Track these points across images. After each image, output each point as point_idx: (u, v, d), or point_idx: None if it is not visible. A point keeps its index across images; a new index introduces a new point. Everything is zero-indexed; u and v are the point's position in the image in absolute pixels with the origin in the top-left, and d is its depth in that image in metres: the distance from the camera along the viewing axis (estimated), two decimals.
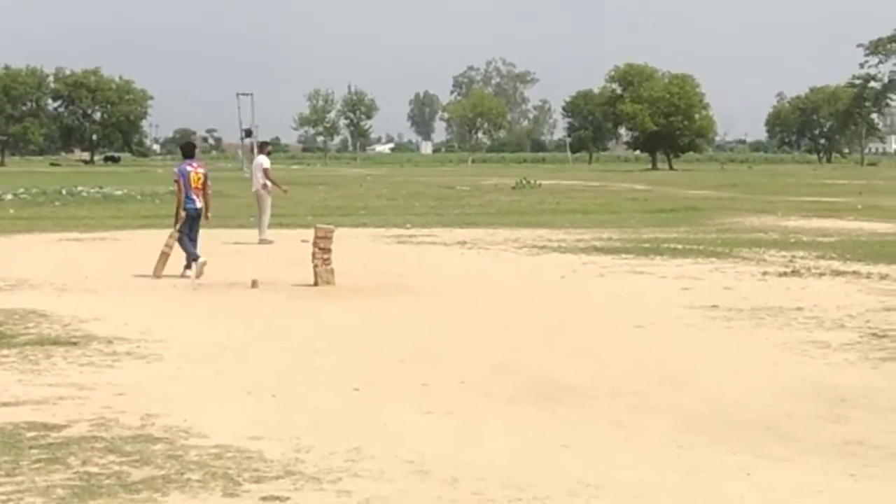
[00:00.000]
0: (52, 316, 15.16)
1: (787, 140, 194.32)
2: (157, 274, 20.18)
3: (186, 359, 12.44)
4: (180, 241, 20.61)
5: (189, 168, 21.00)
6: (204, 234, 26.55)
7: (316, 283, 18.83)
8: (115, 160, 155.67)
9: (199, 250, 20.64)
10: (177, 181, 21.09)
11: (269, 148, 32.08)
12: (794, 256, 23.72)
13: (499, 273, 21.30)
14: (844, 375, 11.71)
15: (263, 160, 28.96)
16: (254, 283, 18.75)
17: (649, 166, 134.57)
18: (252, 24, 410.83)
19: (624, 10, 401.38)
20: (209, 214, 21.44)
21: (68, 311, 15.61)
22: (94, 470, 8.05)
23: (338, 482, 7.84)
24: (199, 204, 20.93)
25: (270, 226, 28.31)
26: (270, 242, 26.83)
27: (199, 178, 20.97)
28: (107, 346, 13.00)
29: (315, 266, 18.99)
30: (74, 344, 13.12)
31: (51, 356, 12.40)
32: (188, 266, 20.36)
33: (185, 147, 22.31)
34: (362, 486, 7.76)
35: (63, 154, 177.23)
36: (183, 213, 20.81)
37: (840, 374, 11.75)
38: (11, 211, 39.72)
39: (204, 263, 20.34)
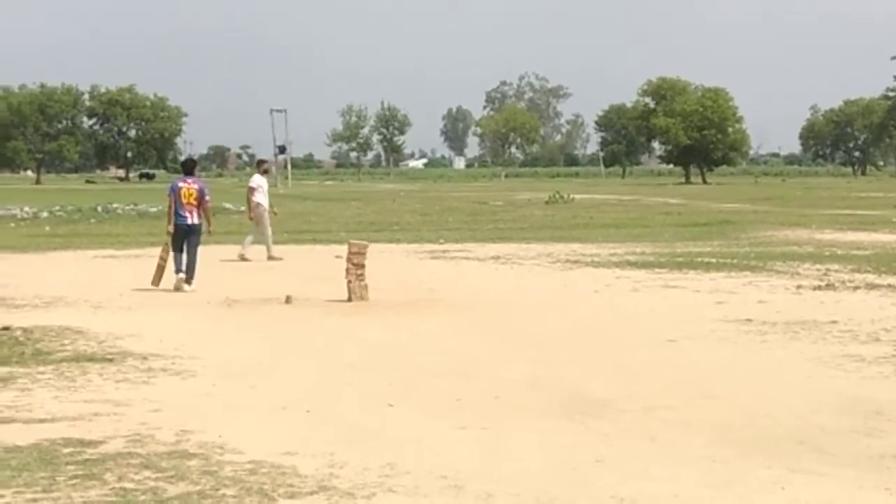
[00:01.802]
0: (87, 332, 15.27)
1: (821, 153, 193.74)
2: (155, 284, 20.91)
3: (221, 375, 12.49)
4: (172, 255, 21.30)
5: (182, 184, 21.42)
6: (238, 250, 26.74)
7: (350, 299, 18.86)
8: (150, 177, 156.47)
9: (196, 267, 21.19)
10: (168, 196, 21.52)
11: (266, 166, 31.44)
12: (828, 270, 23.63)
13: (532, 288, 21.30)
14: (879, 389, 11.67)
15: (253, 179, 29.09)
16: (287, 299, 18.81)
17: (682, 180, 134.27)
18: (286, 41, 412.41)
19: (656, 23, 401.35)
20: (210, 229, 21.93)
21: (104, 327, 15.72)
22: (130, 486, 8.10)
23: (372, 497, 7.87)
24: (190, 220, 21.27)
25: (277, 242, 28.56)
26: (248, 260, 26.80)
27: (191, 194, 21.24)
28: (142, 363, 13.09)
29: (349, 282, 19.03)
30: (110, 360, 13.21)
31: (87, 372, 12.49)
32: (187, 281, 20.93)
33: (184, 164, 22.92)
34: (397, 502, 7.80)
35: (98, 171, 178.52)
36: (171, 228, 21.34)
37: (875, 388, 11.71)
38: (47, 228, 39.99)
39: (182, 279, 20.95)
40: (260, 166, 30.65)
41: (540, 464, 8.77)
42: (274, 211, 29.03)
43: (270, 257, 27.13)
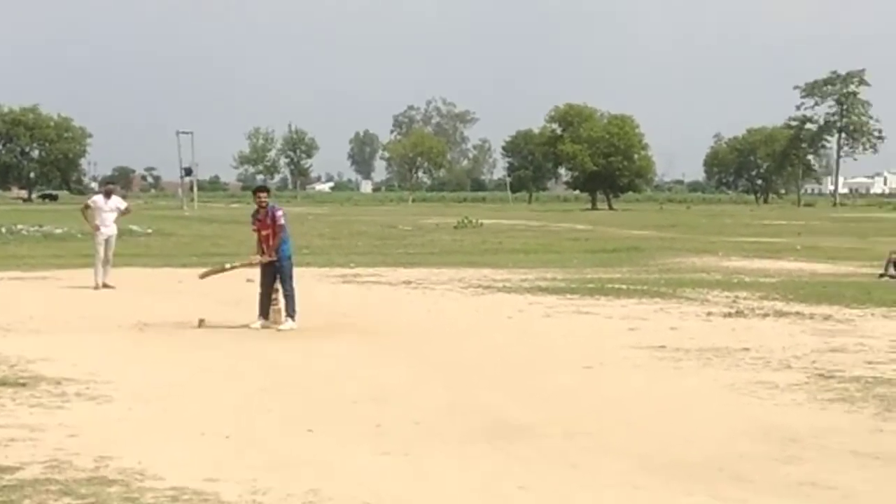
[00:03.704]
0: None
1: (724, 180, 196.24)
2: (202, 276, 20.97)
3: (137, 399, 12.35)
4: None
5: None
6: (147, 274, 26.54)
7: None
8: (53, 198, 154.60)
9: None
10: None
11: (109, 187, 28.99)
12: (737, 297, 23.87)
13: (445, 313, 21.29)
14: (794, 416, 11.80)
15: (91, 199, 27.86)
16: (200, 323, 18.66)
17: (589, 206, 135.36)
18: (193, 63, 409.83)
19: (564, 51, 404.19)
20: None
21: (14, 351, 15.45)
22: None
23: None
24: None
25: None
26: (104, 287, 25.48)
27: None
28: (56, 387, 12.89)
29: None
30: (23, 385, 12.99)
31: None
32: None
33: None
34: None
35: (0, 192, 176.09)
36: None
37: (789, 415, 11.84)
38: None
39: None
40: (104, 187, 29.07)
41: (463, 490, 8.77)
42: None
43: (101, 284, 25.64)
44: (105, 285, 25.50)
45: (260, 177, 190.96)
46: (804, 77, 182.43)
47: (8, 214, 75.21)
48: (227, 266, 20.27)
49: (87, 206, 27.24)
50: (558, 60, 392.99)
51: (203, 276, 20.37)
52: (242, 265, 20.26)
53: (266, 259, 18.99)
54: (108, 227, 26.61)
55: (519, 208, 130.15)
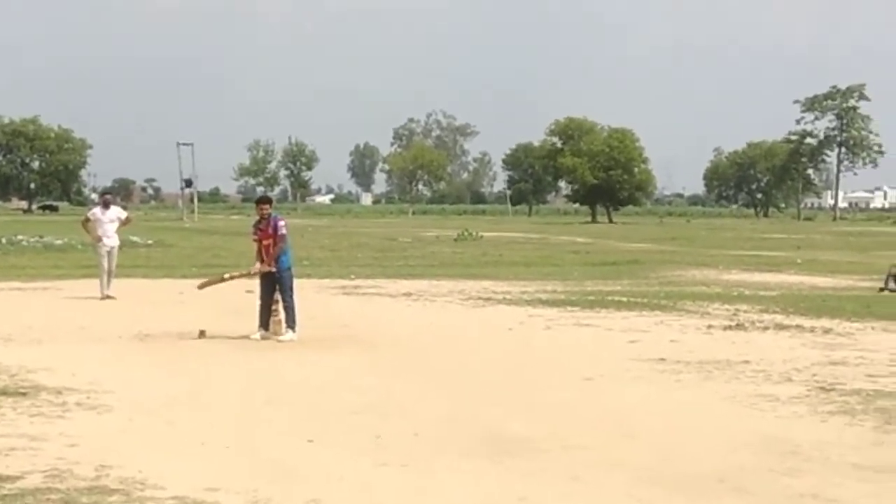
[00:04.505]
0: None
1: (724, 194, 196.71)
2: (200, 287, 21.22)
3: (137, 410, 12.35)
4: None
5: None
6: (148, 285, 26.55)
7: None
8: (54, 209, 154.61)
9: None
10: None
11: (107, 198, 28.64)
12: (737, 310, 23.86)
13: (446, 325, 21.29)
14: (794, 429, 11.79)
15: (90, 211, 27.88)
16: (201, 334, 18.66)
17: (589, 219, 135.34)
18: (193, 75, 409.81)
19: (565, 64, 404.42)
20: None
21: (14, 360, 15.45)
22: None
23: None
24: None
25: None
26: (107, 298, 25.35)
27: None
28: (56, 397, 12.89)
29: None
30: (23, 394, 13.00)
31: (0, 406, 12.28)
32: None
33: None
34: None
35: (0, 202, 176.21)
36: None
37: (790, 428, 11.84)
38: None
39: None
40: (101, 198, 29.22)
41: (463, 502, 8.75)
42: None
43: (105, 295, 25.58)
44: (107, 296, 25.41)
45: (260, 188, 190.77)
46: (804, 91, 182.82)
47: (8, 225, 75.24)
48: (226, 276, 20.22)
49: (87, 220, 27.28)
50: (558, 74, 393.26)
51: (202, 286, 20.35)
52: (241, 275, 20.24)
53: (265, 269, 19.03)
54: (111, 237, 26.57)
55: (519, 221, 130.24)
